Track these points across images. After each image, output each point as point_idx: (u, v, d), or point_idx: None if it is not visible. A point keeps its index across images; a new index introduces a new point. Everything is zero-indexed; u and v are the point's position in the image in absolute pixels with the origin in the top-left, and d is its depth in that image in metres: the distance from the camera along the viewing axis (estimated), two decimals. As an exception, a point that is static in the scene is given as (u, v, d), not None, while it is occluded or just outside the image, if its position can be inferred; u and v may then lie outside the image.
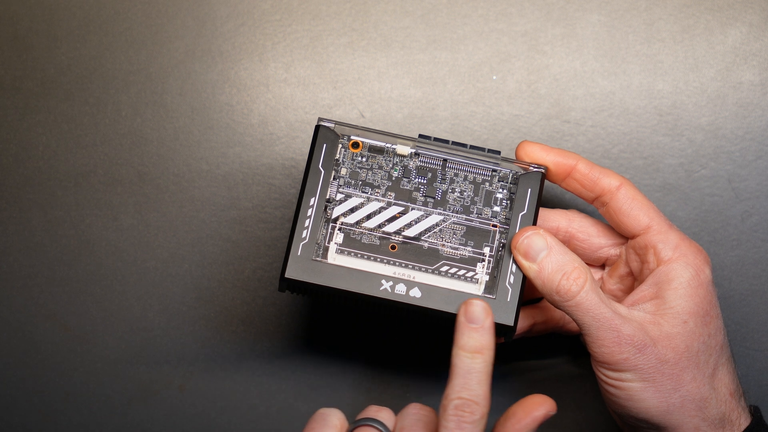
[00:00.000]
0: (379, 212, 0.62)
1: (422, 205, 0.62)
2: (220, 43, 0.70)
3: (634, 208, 0.62)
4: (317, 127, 0.62)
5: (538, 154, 0.62)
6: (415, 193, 0.62)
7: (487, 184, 0.62)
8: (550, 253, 0.59)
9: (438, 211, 0.62)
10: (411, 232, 0.62)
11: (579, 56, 0.69)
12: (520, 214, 0.61)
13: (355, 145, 0.62)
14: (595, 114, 0.69)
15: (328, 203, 0.62)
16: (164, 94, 0.70)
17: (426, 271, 0.61)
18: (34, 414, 0.70)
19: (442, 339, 0.69)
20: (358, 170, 0.62)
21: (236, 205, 0.70)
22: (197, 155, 0.70)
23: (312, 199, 0.61)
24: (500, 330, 0.60)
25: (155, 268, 0.70)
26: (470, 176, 0.62)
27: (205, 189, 0.70)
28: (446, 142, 0.62)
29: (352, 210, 0.62)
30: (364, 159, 0.62)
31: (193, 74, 0.70)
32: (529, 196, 0.61)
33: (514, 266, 0.60)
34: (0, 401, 0.70)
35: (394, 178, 0.62)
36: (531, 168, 0.62)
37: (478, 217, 0.62)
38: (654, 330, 0.59)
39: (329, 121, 0.62)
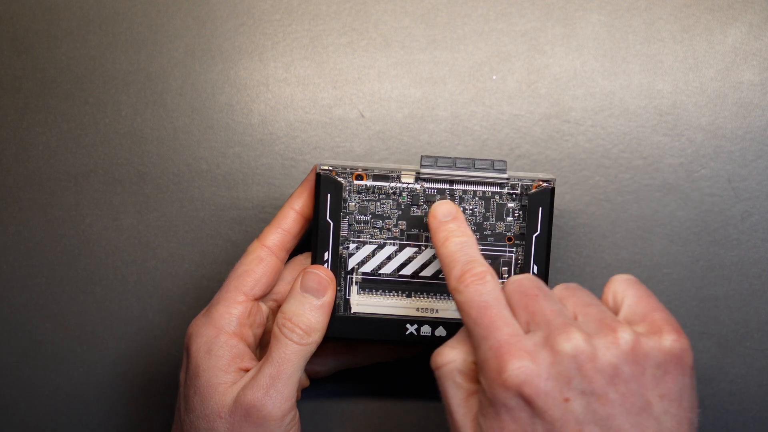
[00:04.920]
0: (395, 256, 0.62)
1: None
2: (220, 43, 0.70)
3: None
4: (317, 176, 0.61)
5: None
6: (426, 218, 0.62)
7: (497, 197, 0.62)
8: None
9: None
10: (428, 272, 0.62)
11: (579, 56, 0.69)
12: (534, 236, 0.61)
13: (359, 177, 0.62)
14: (595, 114, 0.69)
15: (342, 251, 0.62)
16: (164, 94, 0.70)
17: (448, 306, 0.62)
18: (34, 414, 0.70)
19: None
20: (366, 203, 0.62)
21: (236, 205, 0.70)
22: (197, 155, 0.70)
23: (326, 254, 0.61)
24: None
25: (155, 268, 0.70)
26: (479, 192, 0.62)
27: (205, 189, 0.70)
28: (450, 158, 0.62)
29: (367, 258, 0.62)
30: (370, 190, 0.62)
31: (193, 74, 0.70)
32: (540, 214, 0.61)
33: None
34: (0, 401, 0.70)
35: (403, 206, 0.62)
36: (540, 183, 0.61)
37: (491, 233, 0.62)
38: None
39: (328, 166, 0.61)
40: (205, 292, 0.70)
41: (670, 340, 0.53)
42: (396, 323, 0.62)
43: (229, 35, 0.70)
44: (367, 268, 0.62)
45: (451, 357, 0.55)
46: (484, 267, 0.55)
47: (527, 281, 0.55)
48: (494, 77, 0.70)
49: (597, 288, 0.69)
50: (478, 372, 0.53)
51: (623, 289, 0.56)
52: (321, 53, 0.70)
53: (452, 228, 0.58)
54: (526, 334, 0.53)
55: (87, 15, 0.70)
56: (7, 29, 0.70)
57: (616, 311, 0.56)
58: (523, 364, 0.51)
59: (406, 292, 0.62)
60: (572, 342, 0.52)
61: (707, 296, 0.69)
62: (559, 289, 0.57)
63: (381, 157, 0.69)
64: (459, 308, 0.55)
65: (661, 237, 0.69)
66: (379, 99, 0.70)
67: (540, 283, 0.56)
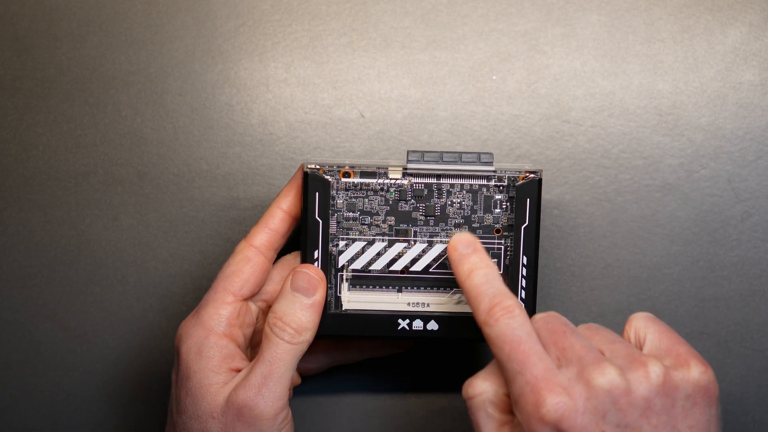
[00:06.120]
0: (384, 252, 0.62)
1: (423, 225, 0.62)
2: (220, 43, 0.70)
3: None
4: (305, 174, 0.61)
5: None
6: (414, 213, 0.62)
7: (485, 189, 0.62)
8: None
9: (440, 238, 0.62)
10: (418, 267, 0.62)
11: (579, 56, 0.69)
12: (523, 227, 0.61)
13: (346, 174, 0.62)
14: (595, 114, 0.69)
15: (332, 249, 0.62)
16: (164, 94, 0.70)
17: (438, 300, 0.62)
18: (34, 414, 0.70)
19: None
20: (354, 200, 0.62)
21: (236, 205, 0.70)
22: (197, 155, 0.70)
23: (315, 252, 0.62)
24: None
25: (155, 268, 0.70)
26: (466, 185, 0.62)
27: (205, 189, 0.70)
28: (437, 153, 0.62)
29: (357, 255, 0.62)
30: (357, 187, 0.62)
31: (193, 74, 0.70)
32: (528, 205, 0.61)
33: (524, 281, 0.61)
34: (0, 401, 0.70)
35: (391, 202, 0.62)
36: (527, 175, 0.61)
37: (480, 226, 0.62)
38: None
39: (315, 164, 0.62)
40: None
41: (698, 372, 0.54)
42: (388, 319, 0.62)
43: (229, 35, 0.70)
44: (357, 264, 0.62)
45: (482, 388, 0.56)
46: (512, 300, 0.56)
47: (553, 318, 0.57)
48: (494, 77, 0.70)
49: (597, 287, 0.69)
50: (513, 405, 0.54)
51: (644, 325, 0.58)
52: (321, 53, 0.70)
53: (475, 260, 0.59)
54: (558, 369, 0.54)
55: (87, 15, 0.70)
56: (7, 29, 0.70)
57: (639, 347, 0.57)
58: (561, 399, 0.52)
59: (397, 288, 0.62)
60: (607, 377, 0.53)
61: (707, 296, 0.69)
62: (583, 329, 0.58)
63: (381, 157, 0.69)
64: (489, 342, 0.55)
65: (661, 237, 0.69)
66: (379, 99, 0.70)
67: (565, 320, 0.57)
